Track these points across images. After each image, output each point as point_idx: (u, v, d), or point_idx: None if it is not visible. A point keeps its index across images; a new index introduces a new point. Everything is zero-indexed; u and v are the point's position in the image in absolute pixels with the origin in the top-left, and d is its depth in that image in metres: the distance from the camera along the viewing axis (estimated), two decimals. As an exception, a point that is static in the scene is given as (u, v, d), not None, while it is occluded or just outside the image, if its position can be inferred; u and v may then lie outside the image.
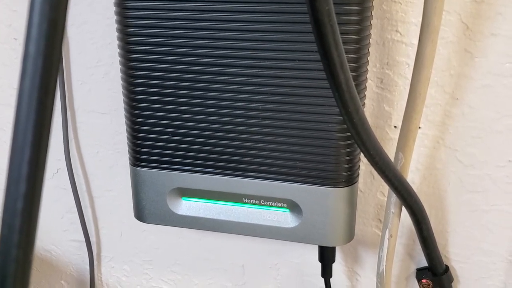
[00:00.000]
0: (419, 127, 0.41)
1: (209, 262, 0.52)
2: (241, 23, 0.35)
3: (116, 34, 0.38)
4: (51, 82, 0.17)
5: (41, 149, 0.17)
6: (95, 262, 0.56)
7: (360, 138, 0.31)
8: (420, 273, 0.45)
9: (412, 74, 0.36)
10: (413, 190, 0.38)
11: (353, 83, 0.28)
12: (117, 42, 0.38)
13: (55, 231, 0.56)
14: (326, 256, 0.43)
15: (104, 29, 0.45)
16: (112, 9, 0.37)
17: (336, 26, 0.25)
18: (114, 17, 0.38)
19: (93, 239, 0.55)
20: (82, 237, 0.54)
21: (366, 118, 0.31)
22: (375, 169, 0.34)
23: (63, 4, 0.16)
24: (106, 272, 0.56)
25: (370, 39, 0.38)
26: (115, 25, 0.38)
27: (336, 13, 0.33)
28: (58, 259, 0.58)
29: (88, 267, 0.56)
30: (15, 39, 0.48)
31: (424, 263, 0.44)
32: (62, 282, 0.59)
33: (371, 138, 0.32)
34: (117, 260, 0.55)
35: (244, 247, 0.50)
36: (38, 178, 0.17)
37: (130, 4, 0.37)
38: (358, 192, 0.44)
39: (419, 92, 0.36)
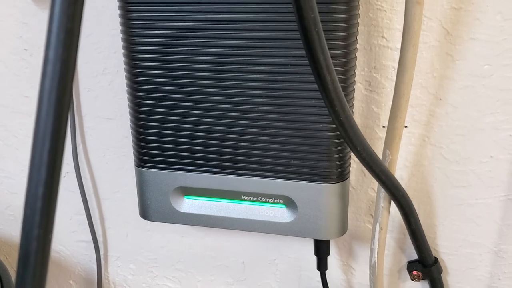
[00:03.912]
0: (406, 126, 0.43)
1: (211, 259, 0.55)
2: (238, 31, 0.38)
3: (121, 43, 0.41)
4: (68, 83, 0.19)
5: (59, 139, 0.19)
6: (102, 262, 0.58)
7: (347, 135, 0.34)
8: (411, 265, 0.47)
9: (396, 76, 0.38)
10: (400, 184, 0.40)
11: (339, 84, 0.30)
12: (122, 51, 0.41)
13: (64, 232, 0.59)
14: (321, 250, 0.46)
15: (109, 40, 0.48)
16: (117, 20, 0.40)
17: (322, 32, 0.28)
18: (119, 28, 0.41)
19: (100, 239, 0.57)
20: (89, 238, 0.56)
21: (352, 116, 0.33)
22: (363, 164, 0.36)
23: (78, 15, 0.19)
24: (113, 271, 0.59)
25: (358, 45, 0.41)
26: (120, 36, 0.41)
27: (324, 21, 0.36)
28: (67, 260, 0.60)
29: (95, 267, 0.58)
30: (26, 49, 0.51)
31: (414, 256, 0.47)
32: (71, 282, 0.61)
33: (357, 135, 0.34)
34: (123, 259, 0.58)
35: (244, 244, 0.53)
36: (57, 165, 0.20)
37: (133, 15, 0.39)
38: (351, 189, 0.47)
39: (403, 92, 0.38)
